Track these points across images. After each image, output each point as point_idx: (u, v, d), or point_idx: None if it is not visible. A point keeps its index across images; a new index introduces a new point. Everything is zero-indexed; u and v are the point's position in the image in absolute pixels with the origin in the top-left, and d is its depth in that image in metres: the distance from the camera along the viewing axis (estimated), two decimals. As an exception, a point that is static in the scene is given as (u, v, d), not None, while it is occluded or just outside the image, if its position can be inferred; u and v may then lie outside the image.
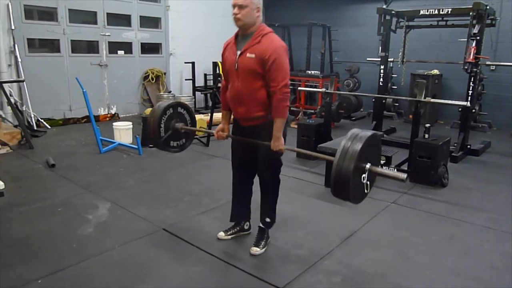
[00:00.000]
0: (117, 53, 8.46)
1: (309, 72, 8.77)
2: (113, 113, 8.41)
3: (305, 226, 3.53)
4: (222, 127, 3.10)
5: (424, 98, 4.91)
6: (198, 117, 7.16)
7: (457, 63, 6.83)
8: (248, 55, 2.70)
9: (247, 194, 3.24)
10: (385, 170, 2.38)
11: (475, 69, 5.74)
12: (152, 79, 8.96)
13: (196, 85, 9.45)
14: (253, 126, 2.87)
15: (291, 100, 9.15)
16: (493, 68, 8.01)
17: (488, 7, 5.65)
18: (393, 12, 6.56)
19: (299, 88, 7.64)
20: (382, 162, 5.12)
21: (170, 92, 9.17)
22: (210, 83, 9.71)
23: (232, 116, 3.08)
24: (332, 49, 9.60)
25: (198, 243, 3.17)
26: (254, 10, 2.69)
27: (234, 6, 2.69)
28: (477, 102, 7.48)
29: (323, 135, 5.67)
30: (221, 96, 3.13)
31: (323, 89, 5.97)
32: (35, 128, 6.91)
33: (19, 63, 6.78)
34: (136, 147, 5.71)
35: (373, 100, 6.97)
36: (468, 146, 6.04)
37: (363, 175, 2.33)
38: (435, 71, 8.39)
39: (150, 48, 9.14)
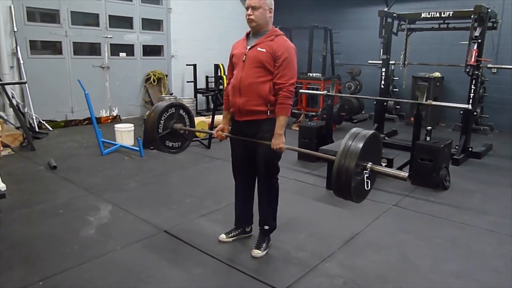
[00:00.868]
0: (119, 55, 8.49)
1: (311, 74, 8.78)
2: (114, 115, 8.42)
3: (307, 229, 3.52)
4: (222, 126, 3.08)
5: (426, 100, 4.91)
6: (199, 119, 7.18)
7: (458, 66, 6.82)
8: (259, 48, 2.77)
9: (248, 199, 3.22)
10: (386, 168, 2.39)
11: (476, 72, 5.73)
12: (154, 81, 8.98)
13: (198, 87, 9.47)
14: (250, 122, 2.84)
15: (293, 103, 9.16)
16: (495, 71, 8.01)
17: (489, 10, 5.65)
18: (394, 14, 6.56)
19: (300, 90, 7.64)
20: (383, 164, 5.12)
21: (171, 94, 9.18)
22: (212, 85, 9.71)
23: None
24: (334, 51, 9.61)
25: (199, 245, 3.16)
26: (267, 11, 2.78)
27: (247, 7, 2.78)
28: (479, 104, 7.47)
29: (325, 138, 5.67)
30: (224, 96, 3.14)
31: (325, 92, 5.98)
32: (37, 130, 6.92)
33: (21, 65, 6.81)
34: (138, 149, 5.72)
35: (375, 102, 6.97)
36: (470, 149, 6.03)
37: (365, 173, 2.33)
38: (437, 74, 8.39)
39: (152, 50, 9.16)
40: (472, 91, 5.82)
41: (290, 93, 2.74)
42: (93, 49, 8.13)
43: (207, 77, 9.73)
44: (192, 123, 3.45)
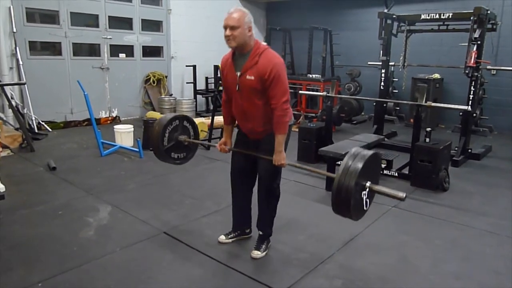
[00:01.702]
0: (118, 56, 8.49)
1: (310, 75, 8.78)
2: (114, 116, 8.42)
3: (306, 230, 3.52)
4: (225, 140, 3.12)
5: (425, 102, 4.92)
6: (199, 120, 7.18)
7: (458, 68, 6.84)
8: (248, 77, 2.69)
9: (246, 204, 3.22)
10: (384, 188, 2.46)
11: (476, 74, 5.74)
12: (154, 82, 8.98)
13: (197, 89, 9.47)
14: (260, 139, 2.92)
15: (293, 104, 9.17)
16: (494, 73, 8.02)
17: (489, 12, 5.67)
18: (394, 16, 6.58)
19: (300, 91, 7.64)
20: (383, 166, 5.13)
21: (171, 95, 9.19)
22: (211, 86, 9.72)
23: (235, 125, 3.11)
24: (333, 53, 9.62)
25: (199, 246, 3.16)
26: (246, 30, 2.64)
27: (225, 27, 2.65)
28: (478, 106, 7.48)
29: (324, 139, 5.67)
30: (222, 110, 3.11)
31: (324, 93, 5.99)
32: (36, 131, 6.91)
33: (21, 66, 6.80)
34: (137, 150, 5.72)
35: (374, 104, 6.98)
36: (469, 150, 6.04)
37: (364, 193, 2.41)
38: (436, 75, 8.40)
39: (152, 52, 9.17)
40: (471, 93, 5.83)
41: (284, 111, 2.69)
42: (92, 50, 8.13)
43: (206, 78, 9.74)
44: (196, 134, 3.53)
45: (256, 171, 3.06)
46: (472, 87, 5.82)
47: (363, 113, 9.32)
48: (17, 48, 6.78)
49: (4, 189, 3.10)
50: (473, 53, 5.55)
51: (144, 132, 6.21)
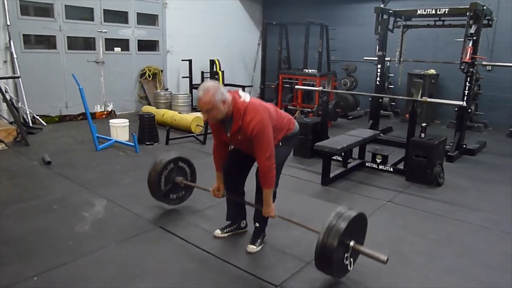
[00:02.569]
0: (114, 50, 8.42)
1: (307, 70, 8.76)
2: (109, 110, 8.38)
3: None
4: (217, 186, 3.17)
5: (421, 97, 4.93)
6: (194, 114, 7.17)
7: (453, 63, 6.85)
8: (239, 137, 2.74)
9: (240, 196, 3.23)
10: (367, 250, 2.52)
11: (471, 69, 5.76)
12: (149, 76, 8.94)
13: (193, 83, 9.43)
14: None
15: (289, 99, 9.17)
16: (489, 69, 8.05)
17: (485, 8, 5.67)
18: (390, 11, 6.57)
19: (296, 86, 7.64)
20: (378, 160, 5.15)
21: (167, 89, 9.15)
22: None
23: None
24: (330, 48, 9.61)
25: (194, 240, 3.17)
26: (221, 105, 2.61)
27: (200, 110, 2.69)
28: (473, 102, 7.51)
29: (320, 134, 5.68)
30: (214, 156, 3.12)
31: (320, 88, 5.98)
32: (31, 125, 6.87)
33: (15, 59, 6.74)
34: (133, 144, 5.70)
35: (370, 99, 6.98)
36: (464, 146, 6.07)
37: (346, 254, 2.49)
38: (432, 71, 8.42)
39: (147, 46, 9.11)
40: (467, 88, 5.84)
41: (268, 167, 2.71)
42: (87, 43, 8.07)
43: (202, 73, 9.71)
44: (193, 172, 3.73)
45: (249, 168, 3.13)
46: (467, 82, 5.84)
47: (358, 108, 9.34)
48: (11, 41, 6.71)
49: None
50: (469, 49, 5.56)
51: (140, 126, 6.19)
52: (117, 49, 8.49)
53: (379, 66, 6.76)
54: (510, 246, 3.25)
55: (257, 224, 3.11)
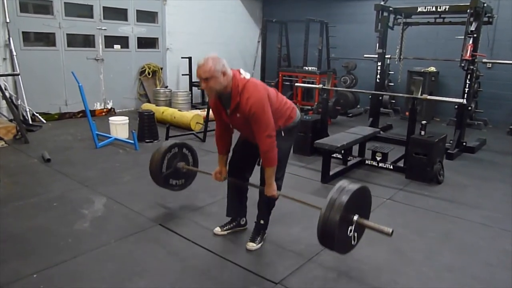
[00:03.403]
0: (113, 47, 8.41)
1: (306, 68, 8.76)
2: (109, 108, 8.37)
3: (301, 222, 3.53)
4: (220, 169, 3.14)
5: (421, 95, 4.92)
6: (194, 112, 7.17)
7: (454, 61, 6.85)
8: (237, 115, 2.71)
9: (241, 192, 3.24)
10: (372, 223, 2.44)
11: (471, 67, 5.75)
12: (149, 74, 8.92)
13: (193, 80, 9.41)
14: None
15: (289, 96, 9.14)
16: (490, 66, 8.03)
17: (485, 5, 5.66)
18: (390, 9, 6.56)
19: (296, 84, 7.63)
20: (378, 158, 5.14)
21: (166, 87, 9.14)
22: (207, 78, 9.65)
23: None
24: (330, 45, 9.60)
25: (194, 238, 3.17)
26: (220, 76, 2.60)
27: (199, 79, 2.64)
28: (473, 99, 7.50)
29: (320, 131, 5.68)
30: (216, 140, 3.11)
31: (320, 86, 5.97)
32: (31, 122, 6.87)
33: (14, 56, 6.73)
34: (132, 142, 5.69)
35: (370, 96, 6.98)
36: (464, 144, 6.07)
37: (350, 227, 2.39)
38: (432, 69, 8.41)
39: (147, 43, 9.09)
40: (467, 86, 5.84)
41: (269, 145, 2.67)
42: (87, 41, 8.05)
43: (202, 70, 9.67)
44: (195, 161, 3.66)
45: (253, 164, 3.13)
46: (467, 80, 5.83)
47: (358, 106, 9.32)
48: (11, 38, 6.69)
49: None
50: (469, 46, 5.55)
51: (139, 124, 6.18)
52: (117, 47, 8.48)
53: (379, 63, 6.75)
54: (510, 244, 3.25)
55: (262, 222, 3.10)
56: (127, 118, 6.32)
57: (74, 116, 7.68)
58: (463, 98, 5.64)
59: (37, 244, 3.03)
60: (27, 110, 6.92)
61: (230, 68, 2.67)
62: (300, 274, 2.74)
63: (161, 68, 9.23)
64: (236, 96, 2.65)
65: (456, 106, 6.08)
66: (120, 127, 6.12)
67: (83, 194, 4.02)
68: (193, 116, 6.89)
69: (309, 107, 8.32)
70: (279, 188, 2.97)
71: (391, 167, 5.06)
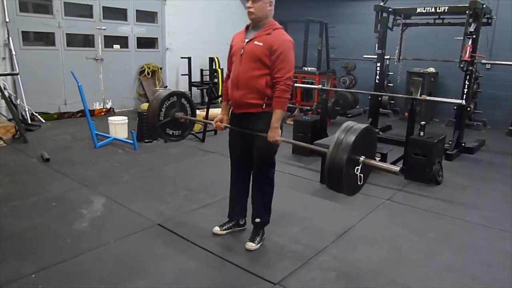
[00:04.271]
0: (113, 47, 8.40)
1: (306, 68, 8.76)
2: (108, 107, 8.36)
3: (301, 222, 3.53)
4: (221, 117, 3.10)
5: (420, 96, 4.92)
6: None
7: (453, 61, 6.85)
8: (256, 42, 2.78)
9: (244, 192, 3.23)
10: (378, 162, 2.44)
11: (470, 68, 5.75)
12: (148, 74, 8.92)
13: (192, 81, 9.42)
14: (247, 114, 2.89)
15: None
16: (489, 67, 8.05)
17: (484, 6, 5.67)
18: (390, 9, 6.56)
19: (295, 84, 7.62)
20: (377, 159, 5.14)
21: (166, 87, 9.12)
22: (206, 78, 9.67)
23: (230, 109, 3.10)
24: (329, 46, 9.59)
25: (193, 238, 3.16)
26: (267, 4, 2.77)
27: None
28: (472, 100, 7.51)
29: (319, 132, 5.68)
30: (223, 87, 3.15)
31: (320, 86, 5.98)
32: (30, 122, 6.85)
33: (14, 56, 6.71)
34: (132, 142, 5.69)
35: (369, 97, 6.98)
36: (463, 144, 6.07)
37: (357, 167, 2.35)
38: (431, 69, 8.42)
39: (146, 43, 9.08)
40: (466, 87, 5.84)
41: (287, 87, 2.75)
42: (86, 40, 8.04)
43: (201, 70, 9.68)
44: (193, 112, 3.53)
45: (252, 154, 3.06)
46: (466, 81, 5.83)
47: (358, 107, 9.31)
48: (10, 38, 6.68)
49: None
50: (468, 47, 5.56)
51: (139, 124, 6.18)
52: (116, 46, 8.47)
53: (378, 64, 6.75)
54: (509, 244, 3.25)
55: (257, 220, 3.08)
56: (126, 118, 6.32)
57: (73, 115, 7.67)
58: (462, 99, 5.64)
59: (36, 243, 3.03)
60: (26, 109, 6.91)
61: None
62: (299, 274, 2.74)
63: (161, 68, 9.22)
64: (268, 29, 2.79)
65: (455, 107, 6.08)
66: (119, 127, 6.11)
67: (82, 194, 4.02)
68: (196, 115, 6.87)
69: (309, 108, 8.32)
70: (272, 180, 3.02)
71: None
